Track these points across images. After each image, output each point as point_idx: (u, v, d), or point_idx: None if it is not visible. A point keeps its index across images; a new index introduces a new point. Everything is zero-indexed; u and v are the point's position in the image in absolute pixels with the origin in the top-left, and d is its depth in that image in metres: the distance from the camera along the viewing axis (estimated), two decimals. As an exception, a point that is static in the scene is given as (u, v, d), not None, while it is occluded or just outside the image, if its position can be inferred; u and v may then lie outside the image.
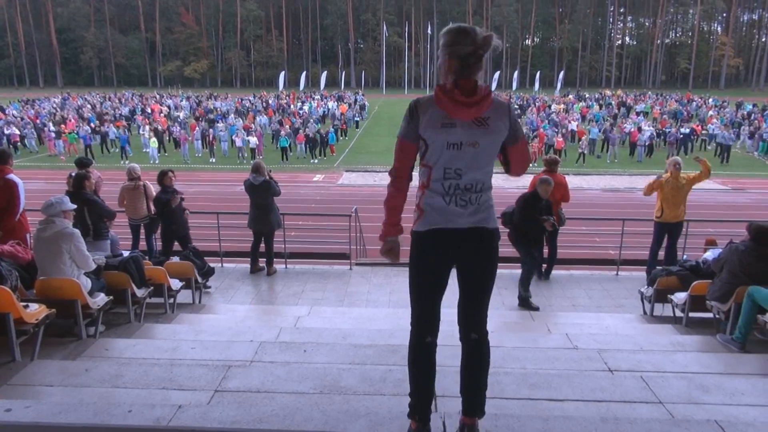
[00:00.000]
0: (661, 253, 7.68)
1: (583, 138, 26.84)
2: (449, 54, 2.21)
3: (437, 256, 2.34)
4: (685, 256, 7.61)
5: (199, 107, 40.55)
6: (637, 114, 37.61)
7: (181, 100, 44.60)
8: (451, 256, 2.35)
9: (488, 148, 2.26)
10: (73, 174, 6.51)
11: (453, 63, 2.21)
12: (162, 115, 35.73)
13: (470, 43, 2.17)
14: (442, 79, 2.28)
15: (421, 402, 2.48)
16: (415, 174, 2.37)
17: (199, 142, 27.02)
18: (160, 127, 28.95)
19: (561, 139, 25.83)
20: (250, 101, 43.59)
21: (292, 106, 40.60)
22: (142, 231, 8.12)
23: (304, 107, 39.78)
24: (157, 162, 25.00)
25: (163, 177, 7.44)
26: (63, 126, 29.39)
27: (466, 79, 2.21)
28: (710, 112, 36.98)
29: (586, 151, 25.68)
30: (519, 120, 2.19)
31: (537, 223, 6.58)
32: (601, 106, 40.91)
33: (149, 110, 38.92)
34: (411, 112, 2.27)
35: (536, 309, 6.49)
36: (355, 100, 44.63)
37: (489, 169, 2.32)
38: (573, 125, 30.67)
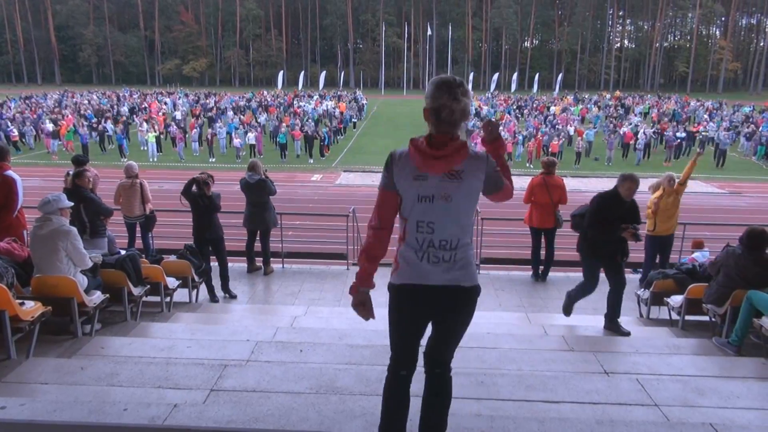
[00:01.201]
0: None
1: (581, 138, 26.90)
2: (426, 104, 2.22)
3: (412, 310, 2.34)
4: (684, 259, 7.60)
5: (197, 104, 40.52)
6: (636, 115, 37.70)
7: (180, 98, 44.56)
8: (426, 311, 2.35)
9: (462, 201, 2.22)
10: (70, 172, 6.49)
11: (428, 113, 2.22)
12: (161, 113, 35.65)
13: (443, 98, 2.16)
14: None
15: None
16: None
17: (197, 143, 26.95)
18: (157, 126, 28.89)
19: (557, 143, 25.82)
20: (246, 99, 43.57)
21: (295, 103, 40.63)
22: (138, 230, 8.10)
23: (303, 105, 39.75)
24: (155, 160, 24.96)
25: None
26: (61, 122, 29.31)
27: (442, 134, 2.20)
28: (705, 115, 37.08)
29: (582, 151, 25.72)
30: (498, 172, 2.19)
31: (613, 232, 5.03)
32: (599, 108, 41.02)
33: (147, 107, 38.88)
34: (388, 163, 2.28)
35: (568, 315, 5.68)
36: (355, 99, 44.63)
37: (465, 223, 2.28)
38: (571, 129, 30.74)
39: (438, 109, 2.17)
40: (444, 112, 2.16)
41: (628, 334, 5.29)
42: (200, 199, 6.62)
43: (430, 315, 2.36)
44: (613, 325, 5.40)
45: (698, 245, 7.23)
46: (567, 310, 5.67)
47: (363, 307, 2.35)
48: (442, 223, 2.22)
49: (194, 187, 6.66)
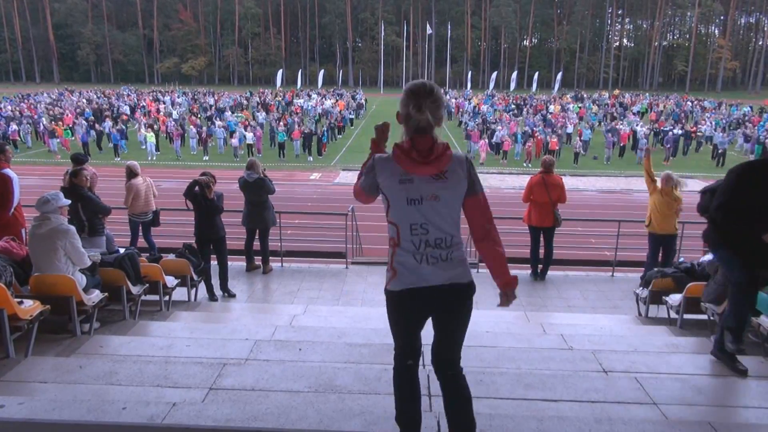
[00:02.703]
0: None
1: (579, 137, 26.94)
2: (399, 109, 2.27)
3: (413, 312, 2.37)
4: (681, 258, 7.60)
5: (195, 103, 40.49)
6: (634, 114, 37.73)
7: (179, 96, 44.51)
8: (427, 310, 2.38)
9: (449, 200, 2.26)
10: (69, 170, 6.49)
11: (400, 118, 2.27)
12: (162, 113, 35.58)
13: (409, 108, 2.21)
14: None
15: (407, 425, 2.51)
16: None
17: (195, 140, 26.95)
18: (155, 125, 28.85)
19: (555, 140, 25.91)
20: (247, 98, 43.55)
21: (296, 101, 40.60)
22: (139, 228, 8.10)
23: (303, 104, 39.73)
24: (154, 159, 24.93)
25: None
26: (60, 122, 29.26)
27: (422, 137, 2.23)
28: (707, 115, 37.12)
29: (580, 151, 25.78)
30: (476, 175, 2.26)
31: (754, 228, 3.27)
32: (598, 107, 41.05)
33: (145, 105, 38.86)
34: (370, 168, 2.32)
35: (743, 371, 3.79)
36: (354, 98, 44.60)
37: (456, 220, 2.32)
38: (570, 127, 30.77)
39: (406, 117, 2.23)
40: (410, 121, 2.22)
41: (743, 373, 3.80)
42: (202, 200, 6.63)
43: (431, 313, 2.39)
44: (724, 356, 3.90)
45: None
46: (729, 357, 3.91)
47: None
48: (435, 222, 2.26)
49: (196, 188, 6.66)
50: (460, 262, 2.32)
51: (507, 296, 2.44)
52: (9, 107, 35.60)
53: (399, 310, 2.38)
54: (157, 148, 26.25)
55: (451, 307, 2.35)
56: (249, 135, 26.00)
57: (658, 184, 7.30)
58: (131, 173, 7.88)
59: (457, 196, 2.28)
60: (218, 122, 29.10)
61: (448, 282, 2.28)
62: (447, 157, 2.25)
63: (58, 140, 26.18)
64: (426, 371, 3.20)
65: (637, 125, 29.91)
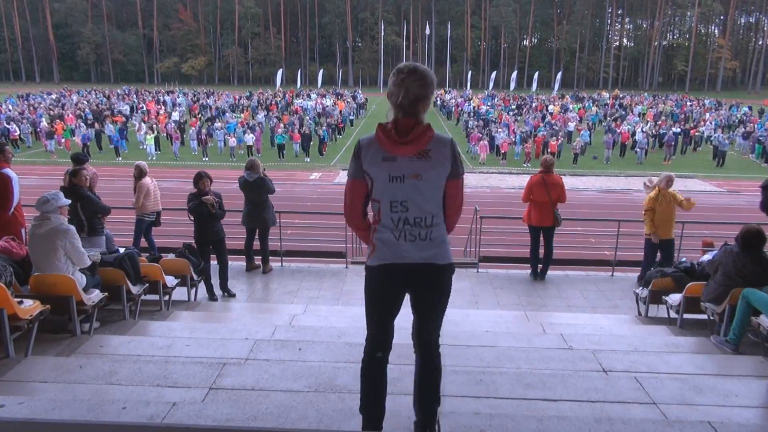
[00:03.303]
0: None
1: (577, 138, 26.95)
2: (388, 92, 2.30)
3: (389, 289, 2.40)
4: (683, 258, 7.60)
5: (196, 104, 40.48)
6: (635, 115, 37.75)
7: (179, 96, 44.50)
8: (403, 288, 2.40)
9: (432, 179, 2.27)
10: (69, 170, 6.50)
11: (388, 98, 2.29)
12: (161, 112, 35.55)
13: (390, 85, 2.26)
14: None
15: (370, 416, 2.53)
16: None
17: (195, 141, 26.95)
18: (155, 125, 28.84)
19: (554, 143, 25.86)
20: (247, 98, 43.53)
21: (296, 102, 40.59)
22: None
23: (303, 103, 39.72)
24: (153, 159, 24.92)
25: (198, 181, 6.74)
26: (59, 121, 29.25)
27: (406, 118, 2.25)
28: (707, 115, 37.13)
29: (578, 151, 25.78)
30: (460, 158, 2.29)
31: None
32: (598, 107, 41.06)
33: (145, 107, 38.85)
34: (356, 152, 2.35)
35: None
36: (354, 97, 44.60)
37: (438, 200, 2.32)
38: (571, 126, 30.76)
39: (389, 95, 2.27)
40: (391, 98, 2.25)
41: None
42: (205, 209, 6.65)
43: (406, 292, 2.42)
44: None
45: (709, 245, 7.19)
46: None
47: None
48: (416, 200, 2.27)
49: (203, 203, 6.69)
50: (439, 242, 2.33)
51: None
52: (11, 107, 35.64)
53: (376, 286, 2.41)
54: (157, 148, 26.25)
55: (427, 286, 2.36)
56: (249, 137, 25.97)
57: (661, 185, 7.27)
58: (141, 173, 7.91)
59: (440, 175, 2.29)
60: (218, 123, 29.10)
61: (424, 261, 2.30)
62: (427, 137, 2.25)
63: (56, 140, 26.13)
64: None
65: (636, 126, 29.93)
